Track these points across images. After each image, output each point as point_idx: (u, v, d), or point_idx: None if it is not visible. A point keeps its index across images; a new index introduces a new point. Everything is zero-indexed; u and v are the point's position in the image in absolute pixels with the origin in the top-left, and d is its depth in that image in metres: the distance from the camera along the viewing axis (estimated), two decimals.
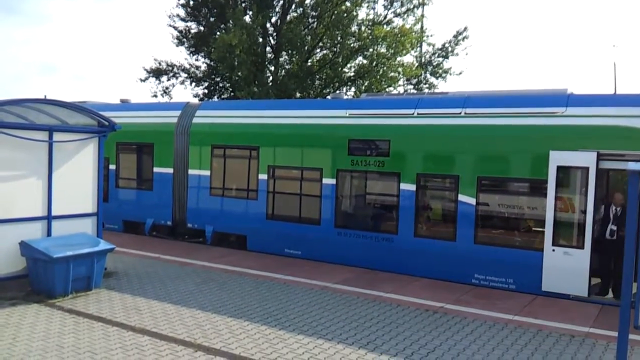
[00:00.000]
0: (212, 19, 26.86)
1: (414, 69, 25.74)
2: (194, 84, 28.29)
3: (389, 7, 26.29)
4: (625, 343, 5.69)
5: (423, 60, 27.30)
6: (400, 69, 25.42)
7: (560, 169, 9.89)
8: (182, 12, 27.44)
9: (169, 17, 27.89)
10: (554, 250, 9.93)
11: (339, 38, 25.32)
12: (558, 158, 9.86)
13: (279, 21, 26.05)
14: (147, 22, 68.44)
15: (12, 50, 72.11)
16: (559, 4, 60.44)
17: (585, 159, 9.62)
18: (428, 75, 27.57)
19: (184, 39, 27.72)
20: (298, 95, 24.96)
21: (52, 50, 72.19)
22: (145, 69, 27.74)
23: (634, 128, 9.44)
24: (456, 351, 7.13)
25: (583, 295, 9.71)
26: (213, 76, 27.98)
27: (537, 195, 10.17)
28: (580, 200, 9.78)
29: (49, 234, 9.70)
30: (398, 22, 26.32)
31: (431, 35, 27.79)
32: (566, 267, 9.79)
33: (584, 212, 9.68)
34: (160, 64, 27.69)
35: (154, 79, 27.91)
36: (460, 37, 26.55)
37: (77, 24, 73.92)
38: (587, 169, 9.62)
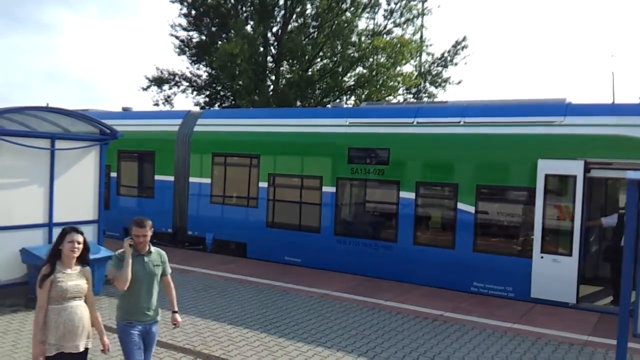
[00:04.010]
0: (213, 29, 27.03)
1: (413, 78, 25.86)
2: (195, 92, 28.45)
3: (388, 17, 26.48)
4: (624, 351, 5.71)
5: (422, 69, 27.43)
6: (399, 79, 25.53)
7: (547, 177, 10.02)
8: (184, 22, 27.63)
9: (171, 26, 28.10)
10: (542, 257, 9.98)
11: (339, 48, 25.48)
12: (550, 166, 9.98)
13: (280, 31, 26.22)
14: (149, 31, 68.83)
15: (17, 58, 72.55)
16: (558, 14, 60.80)
17: (575, 167, 9.71)
18: (427, 85, 27.70)
19: (186, 48, 27.88)
20: (298, 104, 25.08)
21: (57, 59, 72.57)
22: (147, 78, 27.90)
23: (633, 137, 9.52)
24: (455, 359, 7.15)
25: (572, 302, 9.75)
26: (214, 85, 28.13)
27: (533, 203, 10.19)
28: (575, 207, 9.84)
29: (50, 241, 9.68)
30: (398, 32, 26.53)
31: (430, 45, 27.91)
32: (554, 274, 9.83)
33: (572, 219, 9.76)
34: (162, 72, 27.85)
35: (155, 87, 28.05)
36: (459, 47, 26.69)
37: (81, 33, 74.37)
38: (574, 177, 9.74)
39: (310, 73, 25.99)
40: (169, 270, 5.52)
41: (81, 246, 4.75)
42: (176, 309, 5.56)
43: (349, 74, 26.30)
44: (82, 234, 4.80)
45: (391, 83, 25.57)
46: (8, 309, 8.67)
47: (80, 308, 4.72)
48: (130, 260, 5.06)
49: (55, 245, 4.76)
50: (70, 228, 4.80)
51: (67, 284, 4.63)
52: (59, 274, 4.63)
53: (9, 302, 8.91)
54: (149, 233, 5.22)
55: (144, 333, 5.20)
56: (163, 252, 5.47)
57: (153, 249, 5.33)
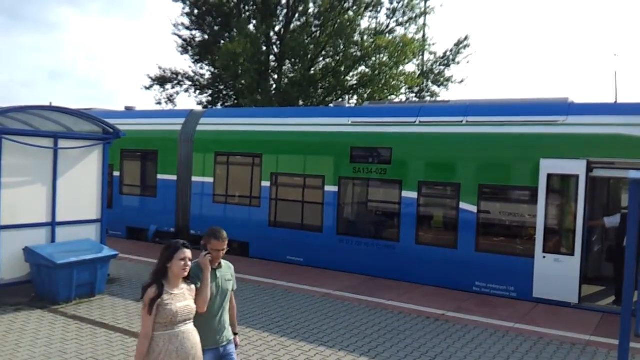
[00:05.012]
0: (216, 28, 27.06)
1: (415, 77, 25.85)
2: (198, 91, 28.48)
3: (391, 16, 26.49)
4: (626, 351, 5.70)
5: (425, 68, 27.42)
6: (402, 78, 25.54)
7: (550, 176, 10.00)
8: (186, 21, 27.67)
9: (174, 25, 28.12)
10: (544, 257, 9.97)
11: (341, 47, 25.48)
12: (552, 166, 9.97)
13: (282, 30, 26.24)
14: (152, 30, 68.95)
15: (21, 57, 72.80)
16: (560, 13, 60.66)
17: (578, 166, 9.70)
18: (430, 84, 27.69)
19: (189, 47, 27.91)
20: (301, 103, 25.09)
21: (60, 57, 72.76)
22: (150, 77, 27.96)
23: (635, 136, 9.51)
24: (457, 358, 7.16)
25: (574, 302, 9.74)
26: (217, 84, 28.15)
27: (535, 203, 10.17)
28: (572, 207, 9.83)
29: (53, 240, 9.76)
30: (400, 31, 26.53)
31: (433, 44, 27.94)
32: (557, 274, 9.83)
33: (574, 219, 9.75)
34: (164, 72, 27.90)
35: (158, 86, 28.11)
36: (461, 46, 26.71)
37: (84, 32, 74.51)
38: (577, 176, 9.74)
39: (312, 72, 26.01)
40: (236, 286, 4.88)
41: (190, 263, 4.22)
42: (237, 330, 4.94)
43: (351, 73, 26.32)
44: (190, 249, 4.23)
45: (393, 82, 25.57)
46: (11, 307, 8.70)
47: (192, 333, 4.20)
48: (210, 278, 4.47)
49: (162, 263, 4.15)
50: (181, 244, 4.19)
51: (176, 306, 4.07)
52: (165, 295, 4.06)
53: (12, 301, 8.94)
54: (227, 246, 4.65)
55: (219, 358, 4.59)
56: (231, 265, 4.87)
57: (222, 261, 4.73)
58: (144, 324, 4.06)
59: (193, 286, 4.29)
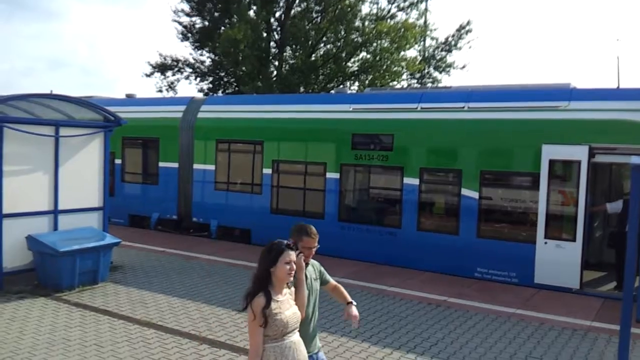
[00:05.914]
0: (216, 14, 26.91)
1: (417, 63, 25.72)
2: (198, 79, 28.41)
3: (392, 1, 26.31)
4: (627, 336, 5.71)
5: (426, 54, 27.29)
6: (403, 64, 25.42)
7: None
8: (186, 7, 27.52)
9: (174, 12, 28.01)
10: (546, 243, 9.98)
11: (342, 33, 25.36)
12: (554, 151, 9.94)
13: (283, 16, 26.08)
14: (152, 17, 68.54)
15: (21, 45, 72.55)
16: None
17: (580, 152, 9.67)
18: (431, 70, 27.58)
19: (189, 34, 27.79)
20: (302, 90, 25.00)
21: (61, 45, 72.49)
22: (151, 64, 27.87)
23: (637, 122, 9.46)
24: (459, 344, 7.18)
25: (576, 287, 9.76)
26: (217, 71, 28.05)
27: (537, 189, 10.15)
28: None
29: (55, 228, 9.78)
30: (401, 16, 26.35)
31: (434, 30, 27.77)
32: (558, 260, 9.84)
33: (576, 205, 9.74)
34: (165, 59, 27.82)
35: (159, 74, 28.03)
36: (463, 31, 26.56)
37: (85, 19, 74.15)
38: (579, 162, 9.72)
39: (313, 58, 25.90)
40: (330, 278, 4.63)
41: (295, 267, 3.78)
42: (350, 299, 4.51)
43: (352, 59, 26.20)
44: (294, 250, 3.82)
45: (395, 68, 25.47)
46: (14, 296, 8.74)
47: (302, 344, 3.78)
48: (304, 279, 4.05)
49: (266, 267, 3.69)
50: (285, 245, 3.76)
51: (285, 315, 3.64)
52: (272, 303, 3.61)
53: (15, 289, 8.98)
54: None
55: None
56: (316, 262, 4.47)
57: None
58: (254, 338, 3.60)
59: (293, 289, 3.87)
